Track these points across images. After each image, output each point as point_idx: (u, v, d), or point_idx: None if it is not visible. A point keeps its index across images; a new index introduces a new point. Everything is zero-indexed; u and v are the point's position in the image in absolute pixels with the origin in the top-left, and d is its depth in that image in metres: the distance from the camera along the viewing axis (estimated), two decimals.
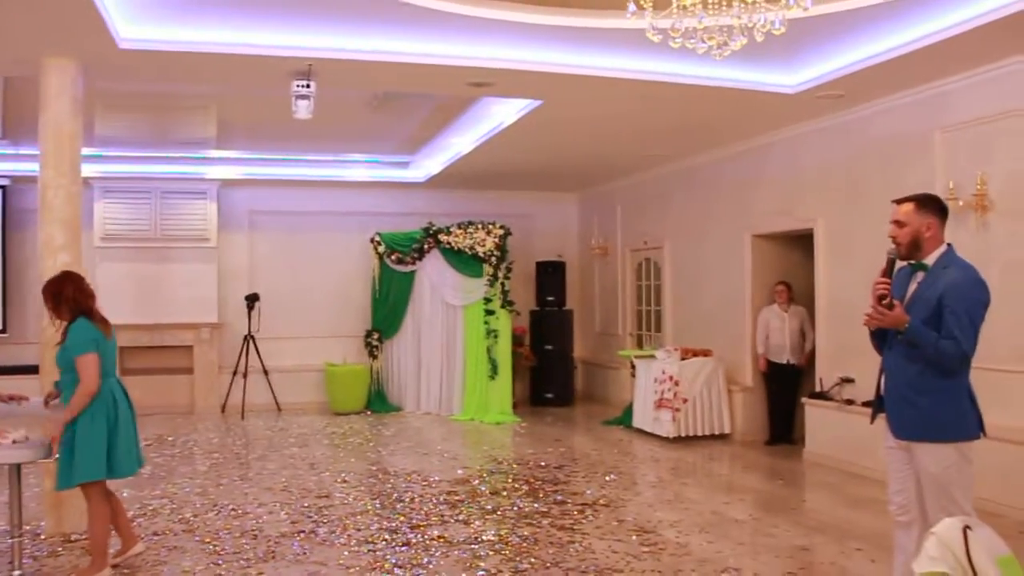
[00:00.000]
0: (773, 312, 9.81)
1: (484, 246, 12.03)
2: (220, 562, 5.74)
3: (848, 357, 8.56)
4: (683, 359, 10.30)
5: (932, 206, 4.15)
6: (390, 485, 7.99)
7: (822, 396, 8.83)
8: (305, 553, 5.92)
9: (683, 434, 10.01)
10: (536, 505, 7.19)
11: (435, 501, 7.34)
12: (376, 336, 12.92)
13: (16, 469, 5.29)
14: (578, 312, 14.09)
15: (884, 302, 4.02)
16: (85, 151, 6.88)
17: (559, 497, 7.46)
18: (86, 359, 5.15)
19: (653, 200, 12.40)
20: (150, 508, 7.08)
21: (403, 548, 5.99)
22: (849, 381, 8.55)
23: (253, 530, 6.50)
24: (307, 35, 6.68)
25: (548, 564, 5.63)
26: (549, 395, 13.26)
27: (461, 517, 6.82)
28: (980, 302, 3.96)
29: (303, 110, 7.25)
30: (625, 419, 11.26)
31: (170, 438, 10.47)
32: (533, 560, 5.71)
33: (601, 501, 7.31)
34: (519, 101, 8.73)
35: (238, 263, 13.32)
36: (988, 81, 7.08)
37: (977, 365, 4.09)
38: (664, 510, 7.04)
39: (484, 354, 12.02)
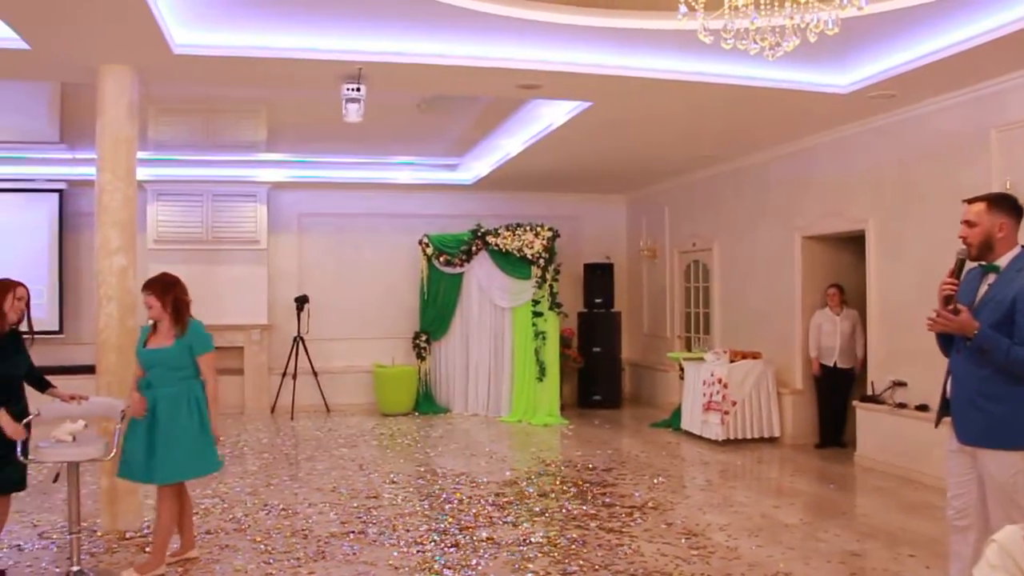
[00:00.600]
0: (825, 315, 9.69)
1: (532, 248, 12.03)
2: (271, 561, 5.81)
3: (900, 360, 8.44)
4: (732, 361, 10.23)
5: (1005, 206, 4.04)
6: (438, 486, 8.03)
7: (874, 399, 8.71)
8: (355, 553, 5.97)
9: (732, 437, 9.93)
10: (584, 507, 7.18)
11: (483, 503, 7.36)
12: (424, 338, 12.99)
13: (75, 467, 5.43)
14: (626, 314, 14.04)
15: (950, 306, 3.94)
16: (139, 155, 7.00)
17: (607, 499, 7.45)
18: (211, 357, 5.47)
19: (702, 201, 12.32)
20: (202, 507, 7.17)
21: (452, 549, 6.01)
22: (901, 385, 8.42)
23: (303, 530, 6.57)
24: (357, 39, 6.73)
25: (597, 567, 5.62)
26: (597, 397, 13.23)
27: (509, 519, 6.83)
28: None
29: (353, 113, 7.31)
30: (673, 422, 11.21)
31: (221, 438, 10.54)
32: (582, 562, 5.70)
33: (650, 504, 7.28)
34: (568, 103, 8.72)
35: (288, 265, 13.47)
36: None
37: None
38: (713, 513, 7.00)
39: (532, 356, 12.03)
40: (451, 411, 12.80)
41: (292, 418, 12.38)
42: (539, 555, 5.88)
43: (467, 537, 6.31)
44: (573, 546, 6.08)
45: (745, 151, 10.80)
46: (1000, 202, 4.05)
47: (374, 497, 7.61)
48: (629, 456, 9.49)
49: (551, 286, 12.04)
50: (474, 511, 7.07)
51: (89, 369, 7.51)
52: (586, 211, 14.49)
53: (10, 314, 5.37)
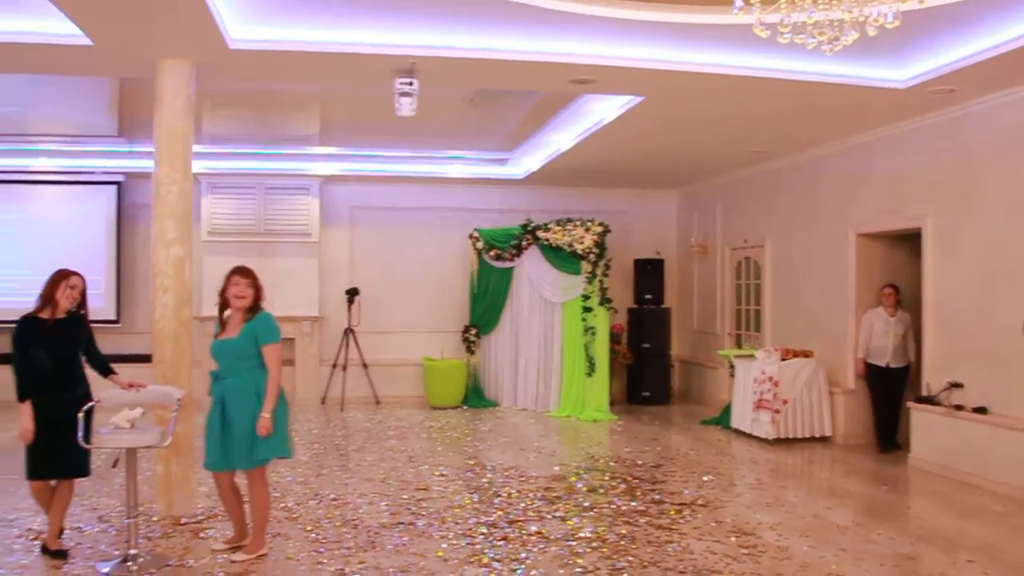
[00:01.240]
0: (878, 315, 9.54)
1: (583, 243, 12.01)
2: (322, 550, 5.87)
3: (957, 361, 8.29)
4: (783, 359, 10.10)
5: None
6: (487, 480, 8.05)
7: (930, 401, 8.56)
8: (404, 544, 6.01)
9: (783, 436, 9.83)
10: (633, 504, 7.15)
11: (532, 497, 7.37)
12: (474, 332, 13.03)
13: (132, 453, 5.55)
14: (676, 310, 13.96)
15: None
16: (194, 148, 7.10)
17: (656, 496, 7.42)
18: (276, 348, 5.59)
19: (754, 198, 12.20)
20: None
21: (501, 543, 6.03)
22: (958, 386, 8.26)
23: (353, 520, 6.63)
24: (411, 33, 6.76)
25: (646, 563, 5.60)
26: (646, 393, 13.17)
27: (558, 513, 6.83)
28: None
29: (406, 107, 7.34)
30: (723, 419, 11.13)
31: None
32: (631, 559, 5.68)
33: (699, 501, 7.24)
34: (620, 98, 8.68)
35: (339, 258, 13.59)
36: None
37: None
38: (763, 512, 6.93)
39: (581, 351, 12.00)
40: (500, 405, 12.83)
41: (342, 409, 12.49)
42: (588, 550, 5.88)
43: (516, 531, 6.33)
44: (622, 542, 6.06)
45: (799, 147, 10.65)
46: None
47: (423, 489, 7.66)
48: (678, 453, 9.44)
49: (601, 281, 12.01)
50: (523, 505, 7.09)
51: (144, 358, 7.66)
52: (636, 206, 14.42)
53: (62, 301, 5.56)
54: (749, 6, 4.62)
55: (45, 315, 5.54)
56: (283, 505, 7.02)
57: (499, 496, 7.40)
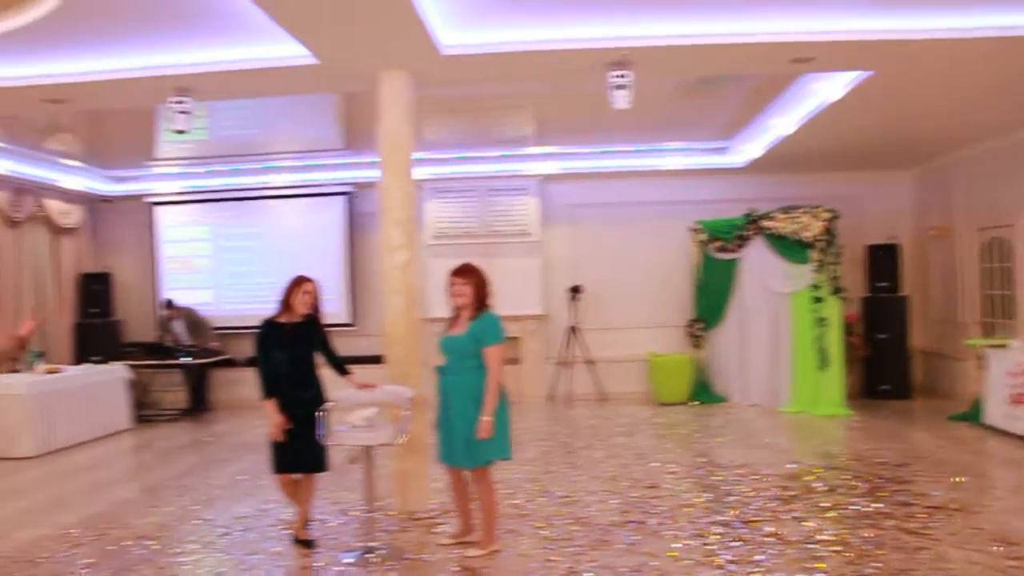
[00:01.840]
0: None
1: (810, 231, 11.47)
2: (553, 547, 5.88)
3: None
4: None
5: None
6: (719, 478, 7.81)
7: None
8: (635, 543, 5.91)
9: None
10: (877, 505, 6.71)
11: (766, 496, 7.08)
12: (699, 326, 12.73)
13: (369, 451, 5.80)
14: (915, 298, 13.08)
15: None
16: (415, 155, 7.31)
17: (902, 498, 6.92)
18: (496, 350, 5.66)
19: (1002, 171, 11.17)
20: None
21: (736, 544, 5.81)
22: None
23: (583, 517, 6.59)
24: (621, 25, 6.65)
25: (896, 571, 5.22)
26: (884, 387, 12.40)
27: (795, 514, 6.51)
28: None
29: (621, 100, 7.23)
30: (973, 415, 10.29)
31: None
32: (879, 565, 5.32)
33: (952, 505, 6.68)
34: (845, 75, 8.19)
35: (560, 256, 13.67)
36: None
37: None
38: None
39: (813, 343, 11.47)
40: (728, 400, 12.47)
41: (569, 406, 12.53)
42: (830, 555, 5.55)
43: (751, 532, 6.08)
44: (867, 546, 5.69)
45: None
46: None
47: (653, 487, 7.52)
48: (924, 451, 8.80)
49: (832, 270, 11.42)
50: (757, 505, 6.81)
51: (376, 359, 7.97)
52: (865, 190, 13.60)
53: (298, 306, 5.89)
54: None
55: (283, 319, 5.89)
56: (514, 502, 7.09)
57: (732, 495, 7.15)
